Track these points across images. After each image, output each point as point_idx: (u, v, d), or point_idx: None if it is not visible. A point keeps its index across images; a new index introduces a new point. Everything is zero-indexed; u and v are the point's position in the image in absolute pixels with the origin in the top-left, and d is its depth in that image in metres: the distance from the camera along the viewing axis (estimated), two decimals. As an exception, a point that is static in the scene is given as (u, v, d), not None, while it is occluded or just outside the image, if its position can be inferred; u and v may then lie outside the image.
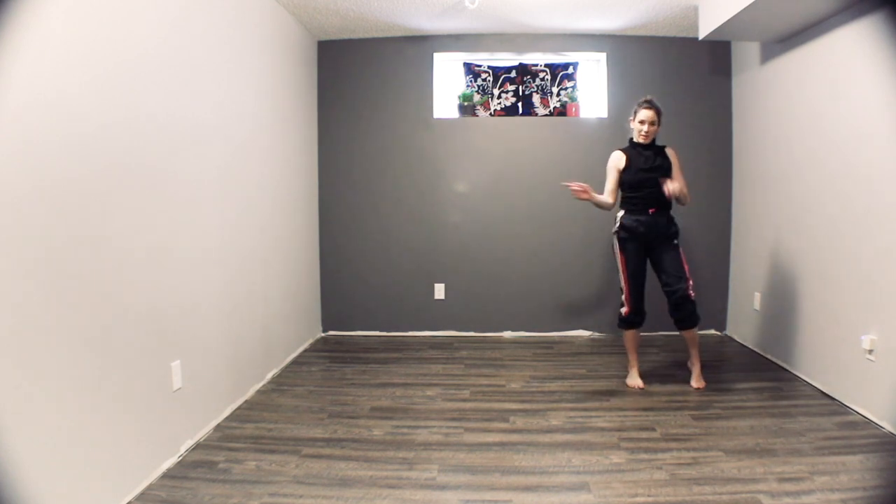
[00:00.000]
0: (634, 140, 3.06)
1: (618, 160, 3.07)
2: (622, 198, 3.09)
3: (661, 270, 3.04)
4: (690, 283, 2.98)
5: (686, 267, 3.02)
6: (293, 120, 3.71)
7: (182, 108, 2.34)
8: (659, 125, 3.02)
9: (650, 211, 3.01)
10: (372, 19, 3.75)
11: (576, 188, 2.96)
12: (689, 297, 2.95)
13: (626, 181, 3.04)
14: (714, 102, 4.11)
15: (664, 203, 3.02)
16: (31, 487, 1.52)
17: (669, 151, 3.08)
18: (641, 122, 2.99)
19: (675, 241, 3.04)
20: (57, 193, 1.65)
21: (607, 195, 3.07)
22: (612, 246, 3.14)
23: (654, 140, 3.05)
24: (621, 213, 3.09)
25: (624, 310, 3.07)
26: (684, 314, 2.98)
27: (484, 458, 2.29)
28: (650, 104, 2.99)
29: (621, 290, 3.09)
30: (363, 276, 4.26)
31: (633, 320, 3.07)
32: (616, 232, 3.09)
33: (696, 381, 3.07)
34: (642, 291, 3.06)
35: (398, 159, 4.20)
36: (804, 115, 3.17)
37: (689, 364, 3.19)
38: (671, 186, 2.90)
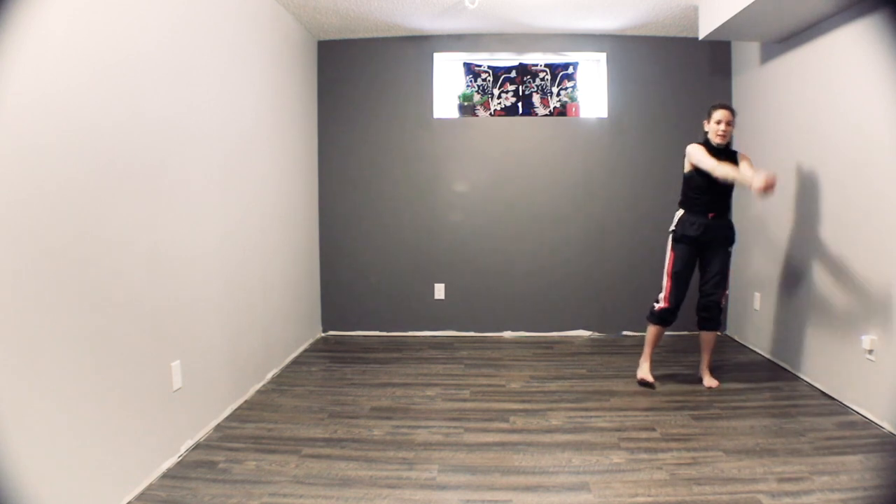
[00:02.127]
0: (711, 142, 3.00)
1: (704, 150, 2.95)
2: (686, 197, 3.06)
3: (705, 273, 3.08)
4: (726, 292, 3.10)
5: (728, 276, 3.10)
6: (293, 120, 3.71)
7: (182, 108, 2.34)
8: (733, 126, 3.00)
9: (710, 215, 3.02)
10: (372, 19, 3.75)
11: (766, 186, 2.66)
12: (718, 304, 3.06)
13: (698, 182, 2.99)
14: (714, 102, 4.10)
15: (725, 207, 3.05)
16: (31, 487, 1.52)
17: (742, 157, 3.02)
18: (718, 122, 2.96)
19: (730, 248, 3.09)
20: (56, 193, 1.65)
21: (721, 170, 2.82)
22: (667, 242, 3.12)
23: (728, 143, 3.03)
24: (681, 212, 3.07)
25: (660, 305, 3.07)
26: (710, 314, 3.06)
27: (484, 458, 2.29)
28: (724, 103, 3.01)
29: (662, 287, 3.09)
30: (363, 275, 4.26)
31: (666, 317, 3.07)
32: (673, 231, 3.08)
33: (708, 380, 3.09)
34: (684, 292, 3.06)
35: (398, 159, 4.20)
36: (804, 115, 3.17)
37: (700, 369, 3.16)
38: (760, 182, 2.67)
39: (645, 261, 3.95)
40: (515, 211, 4.19)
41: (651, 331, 3.13)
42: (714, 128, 2.99)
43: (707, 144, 3.02)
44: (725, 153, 3.01)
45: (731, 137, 3.02)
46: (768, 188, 2.64)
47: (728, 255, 3.08)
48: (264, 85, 3.23)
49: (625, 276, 4.14)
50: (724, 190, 3.01)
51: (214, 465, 2.22)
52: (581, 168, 4.15)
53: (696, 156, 2.96)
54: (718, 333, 3.12)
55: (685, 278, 3.05)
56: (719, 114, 2.98)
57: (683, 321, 3.36)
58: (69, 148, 1.70)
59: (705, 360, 3.13)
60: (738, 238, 3.05)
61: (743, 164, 2.97)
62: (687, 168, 3.06)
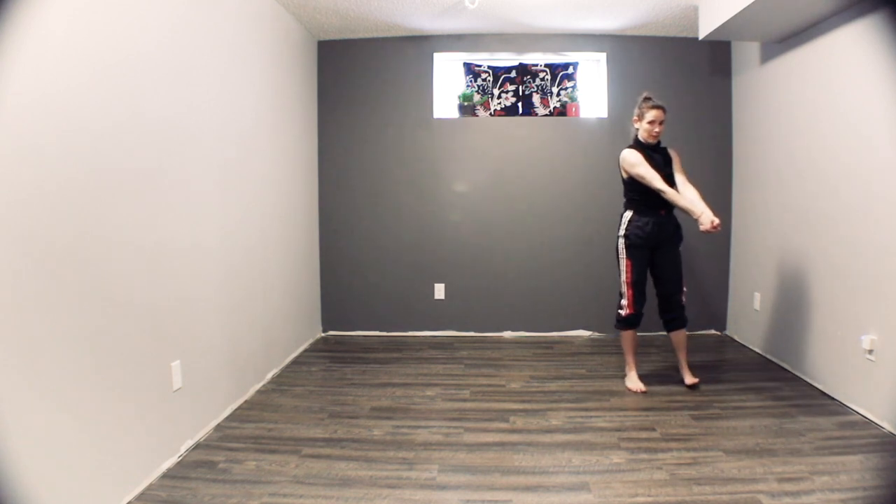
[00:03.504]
0: (642, 140, 2.99)
1: (641, 156, 2.93)
2: (631, 199, 3.02)
3: (661, 275, 3.05)
4: (685, 289, 3.09)
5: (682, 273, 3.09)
6: (293, 120, 3.72)
7: (182, 108, 2.34)
8: (665, 125, 2.99)
9: (661, 212, 2.99)
10: (372, 19, 3.75)
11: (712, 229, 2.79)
12: (681, 303, 3.06)
13: (642, 183, 2.94)
14: (714, 102, 4.11)
15: (671, 204, 2.99)
16: (31, 487, 1.52)
17: (672, 152, 3.06)
18: (651, 123, 2.93)
19: (679, 245, 3.07)
20: (56, 193, 1.65)
21: (660, 183, 2.86)
22: (617, 248, 3.06)
23: (658, 141, 3.03)
24: (629, 214, 3.01)
25: (625, 312, 3.03)
26: (676, 314, 3.06)
27: (484, 458, 2.29)
28: (657, 104, 2.94)
29: (621, 294, 3.05)
30: (363, 275, 4.26)
31: (633, 321, 3.04)
32: (625, 236, 3.00)
33: (688, 378, 3.06)
34: (645, 293, 3.03)
35: (398, 159, 4.20)
36: (804, 115, 3.17)
37: (680, 369, 3.13)
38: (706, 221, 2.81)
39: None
40: (515, 211, 4.19)
41: (625, 337, 3.09)
42: (647, 128, 2.95)
43: (639, 144, 2.99)
44: (659, 150, 3.01)
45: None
46: (714, 230, 2.78)
47: (679, 254, 3.07)
48: (264, 85, 3.23)
49: (625, 276, 4.13)
50: (670, 185, 2.95)
51: (214, 465, 2.22)
52: (581, 168, 4.15)
53: (639, 169, 2.89)
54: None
55: (644, 282, 3.03)
56: (652, 114, 2.92)
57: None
58: (69, 148, 1.70)
59: (682, 359, 3.10)
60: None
61: (680, 177, 2.99)
62: (625, 174, 3.00)
